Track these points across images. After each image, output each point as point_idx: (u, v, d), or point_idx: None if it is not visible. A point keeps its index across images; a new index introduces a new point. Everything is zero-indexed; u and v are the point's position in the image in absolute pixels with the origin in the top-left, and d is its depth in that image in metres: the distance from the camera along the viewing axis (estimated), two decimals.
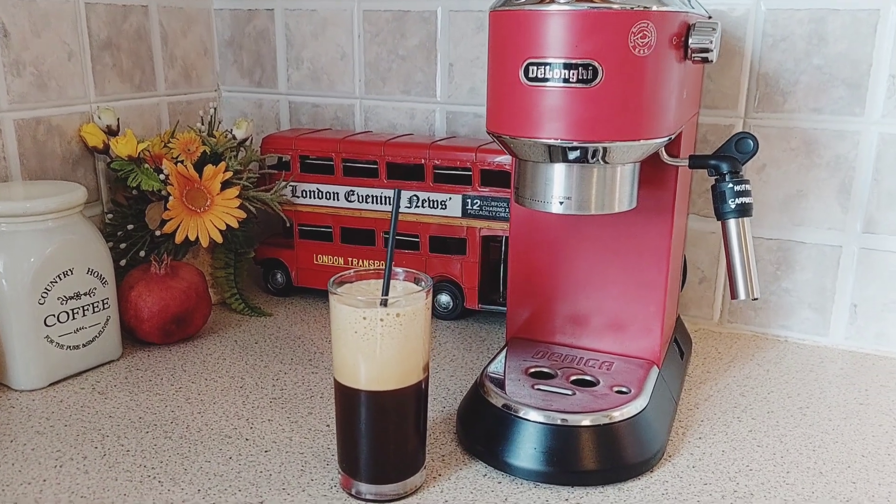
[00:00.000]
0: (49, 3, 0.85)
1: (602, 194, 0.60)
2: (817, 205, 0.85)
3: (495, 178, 0.89)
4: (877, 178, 0.82)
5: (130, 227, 0.89)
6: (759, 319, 0.90)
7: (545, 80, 0.55)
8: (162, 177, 0.86)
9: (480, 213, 0.89)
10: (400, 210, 0.90)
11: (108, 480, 0.61)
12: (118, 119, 0.92)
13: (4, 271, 0.71)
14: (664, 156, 0.64)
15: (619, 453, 0.62)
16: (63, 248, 0.74)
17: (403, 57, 1.00)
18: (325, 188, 0.95)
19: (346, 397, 0.58)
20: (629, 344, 0.72)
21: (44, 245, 0.73)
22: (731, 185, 0.62)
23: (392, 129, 1.04)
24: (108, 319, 0.80)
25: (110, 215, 0.91)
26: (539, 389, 0.65)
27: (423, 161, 0.90)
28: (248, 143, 0.96)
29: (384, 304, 0.55)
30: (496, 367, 0.70)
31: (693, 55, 0.58)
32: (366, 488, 0.59)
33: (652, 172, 0.66)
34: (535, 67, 0.55)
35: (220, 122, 0.97)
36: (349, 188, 0.93)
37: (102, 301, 0.79)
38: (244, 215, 0.90)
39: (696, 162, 0.64)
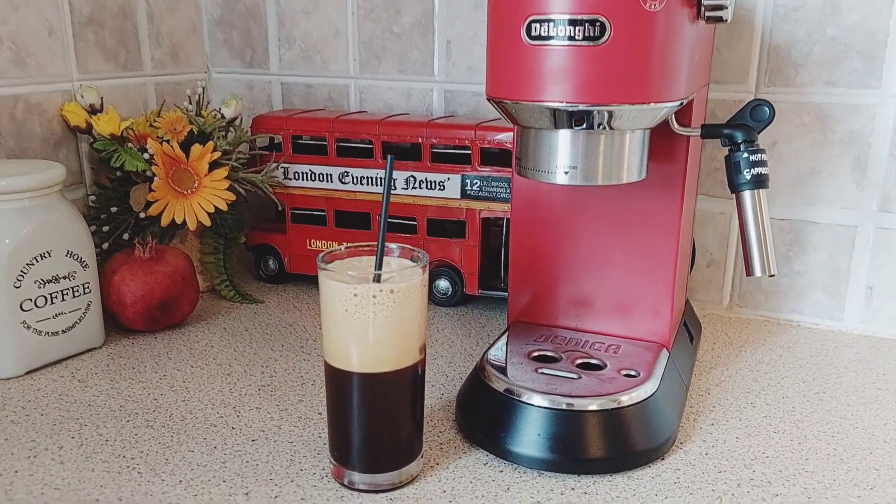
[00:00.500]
0: None
1: (609, 163, 0.56)
2: (831, 182, 0.82)
3: (496, 156, 0.85)
4: (894, 153, 0.78)
5: (114, 209, 0.85)
6: (770, 303, 0.87)
7: (549, 38, 0.51)
8: (146, 156, 0.83)
9: (480, 193, 0.85)
10: (396, 192, 0.88)
11: (84, 471, 0.57)
12: (102, 98, 0.88)
13: None
14: (674, 125, 0.61)
15: (627, 440, 0.58)
16: (40, 229, 0.71)
17: (399, 35, 0.97)
18: (318, 169, 0.91)
19: (338, 381, 0.54)
20: (637, 326, 0.68)
21: (20, 225, 0.69)
22: (746, 154, 0.59)
23: (388, 109, 1.00)
24: (89, 305, 0.76)
25: (93, 197, 0.87)
26: (543, 373, 0.62)
27: (420, 140, 0.86)
28: (237, 122, 0.93)
29: (377, 279, 0.52)
30: (497, 352, 0.66)
31: (707, 13, 0.54)
32: (359, 478, 0.55)
33: (661, 144, 0.63)
34: (537, 25, 0.51)
35: (208, 102, 0.93)
36: (343, 169, 0.90)
37: (83, 285, 0.75)
38: (233, 197, 0.86)
39: (709, 131, 0.61)
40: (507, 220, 0.87)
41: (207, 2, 1.05)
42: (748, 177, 0.59)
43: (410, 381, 0.54)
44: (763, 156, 0.59)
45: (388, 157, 0.52)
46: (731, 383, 0.72)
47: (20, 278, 0.69)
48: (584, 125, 0.54)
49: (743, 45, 0.81)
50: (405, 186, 0.87)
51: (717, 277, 0.88)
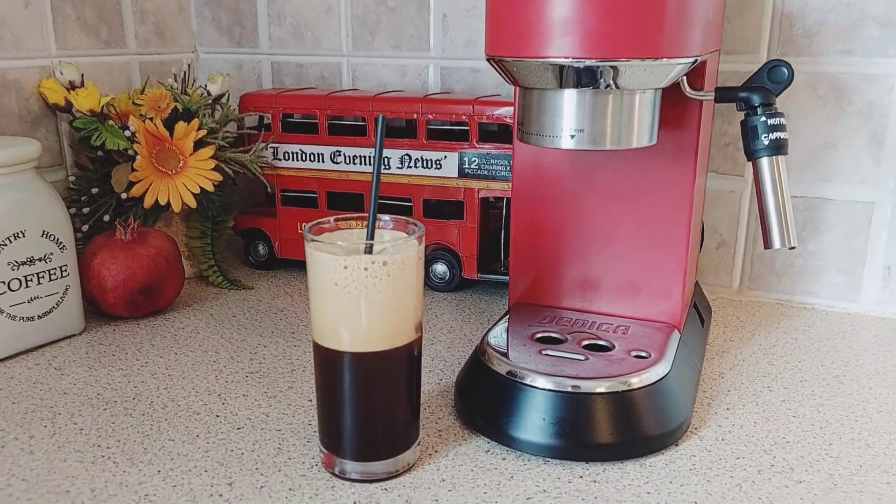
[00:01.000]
0: None
1: (618, 126, 0.52)
2: (847, 157, 0.78)
3: (495, 133, 0.81)
4: None
5: (95, 190, 0.81)
6: (782, 286, 0.83)
7: None
8: (128, 133, 0.78)
9: (479, 172, 0.81)
10: (390, 171, 0.83)
11: (55, 461, 0.53)
12: (82, 75, 0.84)
13: None
14: (686, 88, 0.57)
15: (638, 424, 0.54)
16: (14, 208, 0.67)
17: (393, 8, 0.93)
18: (308, 149, 0.87)
19: (327, 362, 0.50)
20: (647, 306, 0.64)
21: None
22: (763, 118, 0.55)
23: (382, 88, 0.96)
24: (67, 289, 0.72)
25: (73, 178, 0.83)
26: (547, 355, 0.58)
27: (415, 116, 0.82)
28: (224, 100, 0.89)
29: (369, 250, 0.48)
30: (498, 334, 0.62)
31: None
32: (351, 466, 0.51)
33: (673, 111, 0.59)
34: None
35: (194, 80, 0.89)
36: (335, 148, 0.86)
37: (60, 268, 0.71)
38: (220, 178, 0.82)
39: (724, 95, 0.57)
40: (508, 199, 0.83)
41: None
42: (766, 142, 0.55)
43: (406, 361, 0.50)
44: (782, 119, 0.55)
45: (379, 117, 0.48)
46: (745, 367, 0.68)
47: None
48: (591, 84, 0.50)
49: (754, 13, 0.78)
50: (400, 165, 0.84)
51: (727, 260, 0.85)
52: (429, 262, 0.85)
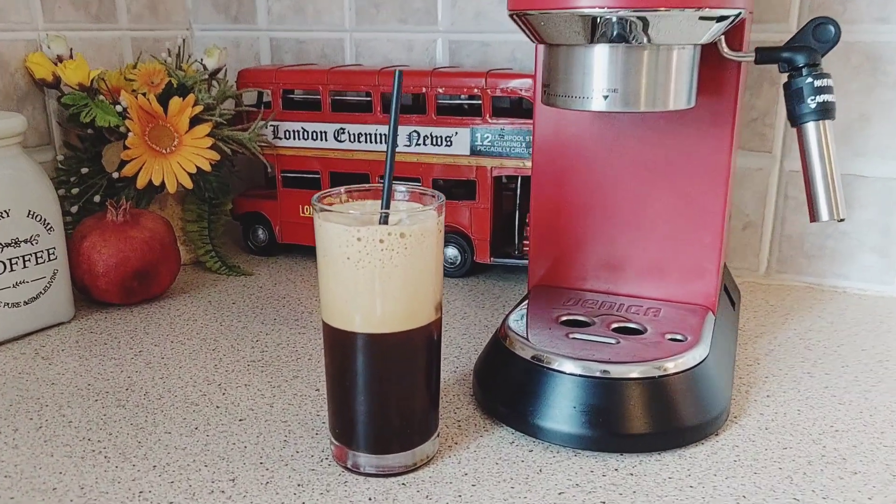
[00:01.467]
0: None
1: (654, 86, 0.48)
2: (883, 131, 0.73)
3: (508, 109, 0.77)
4: None
5: (84, 170, 0.77)
6: (812, 268, 0.79)
7: None
8: (119, 108, 0.74)
9: (492, 149, 0.76)
10: (397, 149, 0.79)
11: (41, 456, 0.48)
12: (71, 49, 0.79)
13: None
14: (724, 48, 0.52)
15: (676, 412, 0.50)
16: None
17: None
18: (311, 127, 0.82)
19: (338, 344, 0.46)
20: (678, 287, 0.60)
21: None
22: (809, 79, 0.51)
23: (387, 64, 0.91)
24: (55, 273, 0.67)
25: (61, 157, 0.78)
26: (575, 338, 0.53)
27: (423, 90, 0.77)
28: (221, 75, 0.84)
29: (384, 220, 0.43)
30: (519, 317, 0.58)
31: None
32: (365, 460, 0.46)
33: (709, 74, 0.54)
34: None
35: (189, 56, 0.84)
36: (339, 126, 0.81)
37: (47, 251, 0.66)
38: (217, 157, 0.78)
39: (765, 56, 0.52)
40: (522, 178, 0.78)
41: None
42: (812, 105, 0.51)
43: (424, 343, 0.46)
44: (828, 81, 0.51)
45: (396, 70, 0.43)
46: (781, 352, 0.64)
47: None
48: (625, 38, 0.45)
49: None
50: (408, 143, 0.79)
51: (754, 242, 0.80)
52: None
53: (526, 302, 0.61)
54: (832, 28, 0.51)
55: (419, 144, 0.78)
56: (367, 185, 0.48)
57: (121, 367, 0.61)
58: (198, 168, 0.77)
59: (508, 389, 0.52)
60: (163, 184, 0.76)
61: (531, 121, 0.74)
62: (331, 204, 0.47)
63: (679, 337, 0.54)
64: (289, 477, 0.46)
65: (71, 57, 0.78)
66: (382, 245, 0.43)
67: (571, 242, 0.63)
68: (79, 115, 0.75)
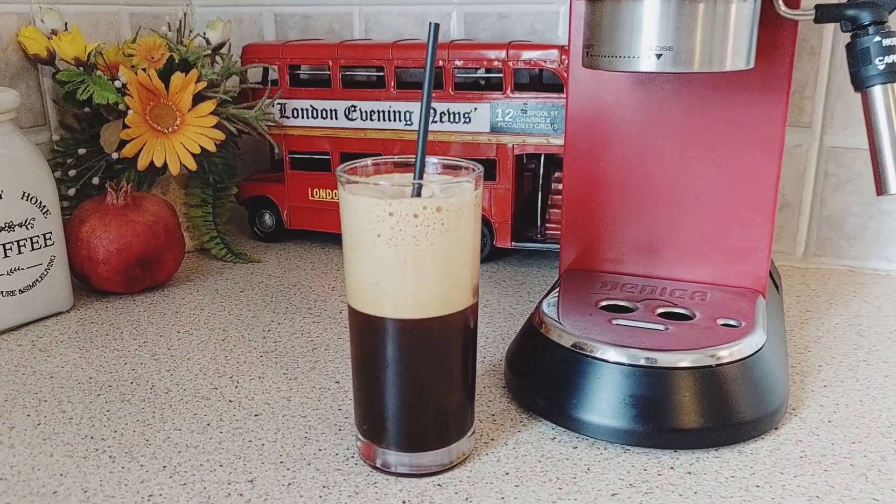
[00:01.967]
0: None
1: (709, 43, 0.43)
2: None
3: (530, 82, 0.72)
4: None
5: (82, 151, 0.72)
6: (853, 251, 0.74)
7: None
8: (118, 85, 0.69)
9: (514, 126, 0.72)
10: (411, 126, 0.74)
11: (39, 456, 0.44)
12: (66, 24, 0.74)
13: None
14: (781, 6, 0.48)
15: (733, 405, 0.45)
16: None
17: None
18: (320, 105, 0.78)
19: (366, 331, 0.41)
20: (726, 269, 0.56)
21: None
22: (877, 38, 0.46)
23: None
24: (52, 260, 0.63)
25: (57, 138, 0.74)
26: (619, 325, 0.49)
27: (440, 63, 0.73)
28: (224, 50, 0.79)
29: (418, 192, 0.39)
30: (554, 303, 0.54)
31: None
32: (395, 458, 0.42)
33: (762, 35, 0.50)
34: None
35: (191, 31, 0.80)
36: (350, 103, 0.77)
37: (44, 236, 0.62)
38: (222, 136, 0.73)
39: (826, 13, 0.48)
40: (545, 157, 0.74)
41: None
42: (881, 66, 0.46)
43: (461, 331, 0.42)
44: None
45: (432, 24, 0.39)
46: (831, 339, 0.60)
47: None
48: None
49: None
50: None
51: (791, 224, 0.76)
52: None
53: (559, 287, 0.57)
54: None
55: (436, 121, 0.74)
56: (396, 157, 0.43)
57: (124, 360, 0.56)
58: (202, 149, 0.72)
59: (546, 380, 0.48)
60: (165, 165, 0.71)
61: (555, 94, 0.70)
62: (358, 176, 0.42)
63: (733, 322, 0.49)
64: (313, 478, 0.42)
65: (66, 31, 0.73)
66: (417, 220, 0.38)
67: (607, 222, 0.58)
68: (75, 92, 0.71)
